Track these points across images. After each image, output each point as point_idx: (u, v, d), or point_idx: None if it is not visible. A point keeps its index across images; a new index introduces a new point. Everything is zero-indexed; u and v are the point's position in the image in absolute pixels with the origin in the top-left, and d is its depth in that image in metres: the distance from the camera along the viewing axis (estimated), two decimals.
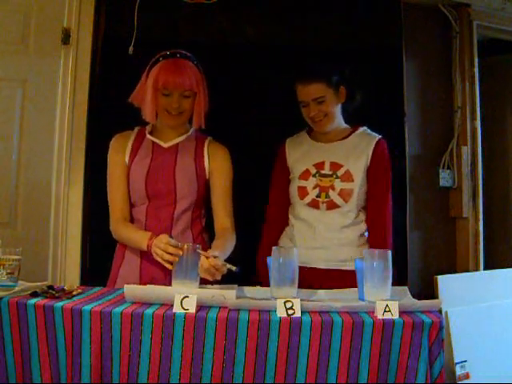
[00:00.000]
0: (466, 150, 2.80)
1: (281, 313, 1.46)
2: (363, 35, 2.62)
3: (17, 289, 1.59)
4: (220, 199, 2.04)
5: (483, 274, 2.66)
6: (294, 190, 2.12)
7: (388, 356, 1.44)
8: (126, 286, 1.58)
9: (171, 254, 1.71)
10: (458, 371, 2.22)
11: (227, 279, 1.78)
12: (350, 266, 2.03)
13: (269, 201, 2.20)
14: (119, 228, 1.99)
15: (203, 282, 1.74)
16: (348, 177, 2.07)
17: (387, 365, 1.44)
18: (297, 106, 2.12)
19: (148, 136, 2.04)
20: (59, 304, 1.47)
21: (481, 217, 2.83)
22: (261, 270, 2.09)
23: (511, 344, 2.38)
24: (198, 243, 1.89)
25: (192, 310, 1.46)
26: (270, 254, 2.07)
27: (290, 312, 1.46)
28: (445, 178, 2.79)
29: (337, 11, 2.63)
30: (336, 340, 1.44)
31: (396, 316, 1.47)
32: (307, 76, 2.06)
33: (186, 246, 1.64)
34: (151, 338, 1.43)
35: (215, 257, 1.73)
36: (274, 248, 1.63)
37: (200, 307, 1.49)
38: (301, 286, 1.63)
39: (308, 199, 2.07)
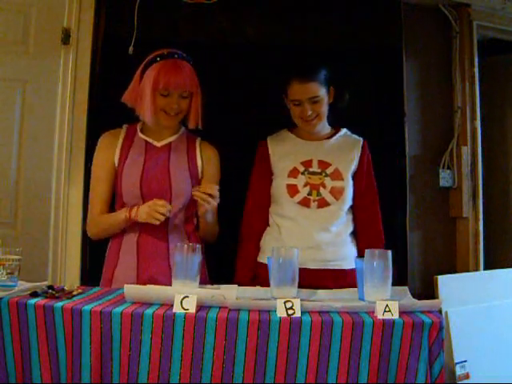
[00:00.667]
0: (465, 150, 2.80)
1: (281, 313, 1.46)
2: (363, 35, 2.62)
3: (17, 289, 1.59)
4: None
5: (483, 274, 2.66)
6: (281, 187, 2.08)
7: (388, 356, 1.44)
8: (126, 285, 1.58)
9: (159, 213, 1.82)
10: (458, 371, 2.22)
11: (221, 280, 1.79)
12: (340, 266, 2.04)
13: (248, 200, 2.15)
14: (97, 221, 1.99)
15: (202, 283, 1.75)
16: (338, 175, 2.06)
17: (387, 365, 1.44)
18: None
19: (140, 135, 2.03)
20: (59, 304, 1.47)
21: (481, 217, 2.83)
22: (240, 271, 2.09)
23: (511, 344, 2.38)
24: (192, 242, 1.91)
25: (192, 310, 1.46)
26: (252, 255, 2.10)
27: (290, 312, 1.46)
28: (445, 178, 2.79)
29: (337, 11, 2.63)
30: (336, 340, 1.44)
31: (396, 316, 1.47)
32: (305, 74, 2.04)
33: (185, 246, 1.64)
34: (151, 338, 1.43)
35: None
36: (273, 248, 1.63)
37: (200, 307, 1.49)
38: None
39: (299, 197, 2.05)
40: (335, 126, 2.19)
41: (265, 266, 2.05)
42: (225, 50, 2.54)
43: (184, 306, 1.46)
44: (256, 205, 2.14)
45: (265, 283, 1.86)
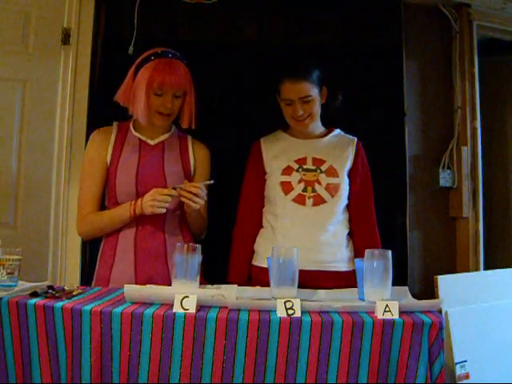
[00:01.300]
0: (465, 150, 2.80)
1: (281, 313, 1.46)
2: (363, 35, 2.62)
3: (17, 289, 1.59)
4: None
5: (483, 274, 2.65)
6: (274, 186, 2.07)
7: (388, 356, 1.44)
8: (125, 286, 1.58)
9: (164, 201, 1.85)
10: (458, 371, 2.22)
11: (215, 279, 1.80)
12: (338, 268, 2.03)
13: (241, 202, 2.15)
14: (90, 220, 1.97)
15: (203, 283, 1.75)
16: (333, 172, 2.05)
17: (387, 365, 1.44)
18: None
19: (134, 133, 2.03)
20: (59, 304, 1.47)
21: (481, 217, 2.83)
22: (232, 274, 2.08)
23: (511, 344, 2.37)
24: (186, 240, 1.91)
25: (192, 309, 1.46)
26: (246, 257, 2.10)
27: (290, 312, 1.46)
28: (445, 178, 2.79)
29: (337, 11, 2.63)
30: (336, 340, 1.44)
31: (396, 316, 1.47)
32: (297, 74, 2.03)
33: (185, 246, 1.64)
34: (151, 338, 1.43)
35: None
36: (273, 248, 1.63)
37: (200, 307, 1.49)
38: None
39: (293, 194, 2.03)
40: (329, 127, 2.19)
41: (259, 269, 2.06)
42: (224, 49, 2.54)
43: (184, 305, 1.46)
44: (249, 206, 2.13)
45: (259, 285, 1.86)
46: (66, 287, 1.69)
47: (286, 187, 2.05)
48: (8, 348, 1.47)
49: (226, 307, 1.50)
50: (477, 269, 2.75)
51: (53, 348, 1.46)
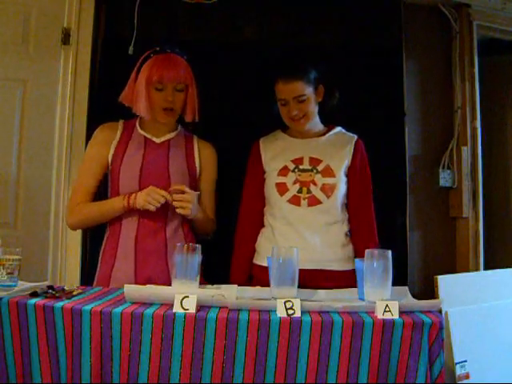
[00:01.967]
0: (465, 150, 2.80)
1: (281, 313, 1.46)
2: (363, 35, 2.62)
3: (17, 289, 1.59)
4: (208, 197, 2.10)
5: (483, 274, 2.65)
6: (271, 187, 2.07)
7: (388, 356, 1.44)
8: (126, 286, 1.58)
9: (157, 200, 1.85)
10: (458, 371, 2.22)
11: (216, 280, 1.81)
12: (335, 267, 2.03)
13: (242, 202, 2.15)
14: (81, 210, 1.97)
15: (203, 283, 1.75)
16: (329, 172, 2.05)
17: (387, 365, 1.44)
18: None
19: (140, 131, 2.03)
20: (59, 304, 1.47)
21: (481, 217, 2.83)
22: (234, 273, 2.09)
23: (511, 344, 2.37)
24: (189, 242, 1.91)
25: (192, 309, 1.46)
26: (246, 256, 2.10)
27: (290, 312, 1.46)
28: (445, 178, 2.79)
29: (336, 11, 2.63)
30: (336, 340, 1.44)
31: (396, 316, 1.47)
32: (289, 73, 2.03)
33: (185, 246, 1.64)
34: (151, 338, 1.43)
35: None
36: (273, 248, 1.63)
37: (200, 307, 1.49)
38: None
39: (288, 195, 2.03)
40: (329, 125, 2.18)
41: (260, 268, 2.06)
42: (224, 49, 2.54)
43: (184, 305, 1.46)
44: (249, 206, 2.13)
45: (260, 285, 1.86)
46: (66, 287, 1.69)
47: (281, 188, 2.05)
48: (8, 348, 1.47)
49: (226, 307, 1.50)
50: (477, 269, 2.75)
51: (53, 348, 1.46)
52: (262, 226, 2.13)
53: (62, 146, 2.51)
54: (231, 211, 2.17)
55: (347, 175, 2.09)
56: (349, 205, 2.10)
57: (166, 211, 1.97)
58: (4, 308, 1.48)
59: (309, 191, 2.03)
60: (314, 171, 2.04)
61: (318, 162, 2.06)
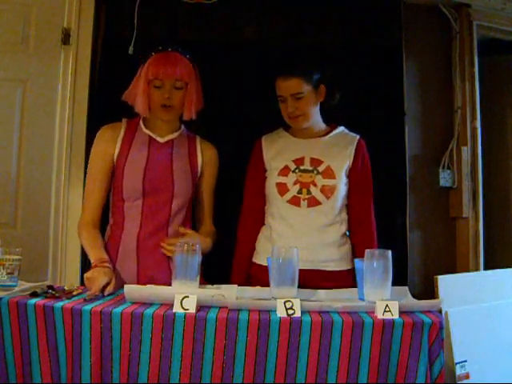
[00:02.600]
0: (465, 150, 2.80)
1: (281, 313, 1.46)
2: (363, 35, 2.62)
3: (17, 289, 1.59)
4: (208, 198, 2.11)
5: (483, 274, 2.65)
6: (271, 186, 2.07)
7: (388, 356, 1.44)
8: (125, 286, 1.58)
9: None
10: (458, 371, 2.22)
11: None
12: (332, 267, 2.03)
13: (244, 200, 2.15)
14: (82, 233, 1.96)
15: (203, 283, 1.75)
16: (330, 173, 2.04)
17: (387, 365, 1.44)
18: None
19: (144, 129, 2.02)
20: (59, 304, 1.47)
21: (481, 217, 2.83)
22: (234, 272, 2.09)
23: (511, 344, 2.38)
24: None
25: (192, 309, 1.46)
26: (247, 255, 2.11)
27: (290, 312, 1.46)
28: (445, 178, 2.79)
29: (337, 11, 2.63)
30: (336, 340, 1.44)
31: (396, 316, 1.47)
32: (288, 70, 2.03)
33: (186, 246, 1.64)
34: (151, 338, 1.43)
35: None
36: (273, 248, 1.63)
37: (200, 307, 1.49)
38: None
39: (288, 196, 2.03)
40: (331, 124, 2.18)
41: (258, 267, 2.06)
42: (224, 49, 2.54)
43: (184, 305, 1.46)
44: (250, 205, 2.14)
45: (258, 284, 1.86)
46: (65, 287, 1.69)
47: (282, 188, 2.05)
48: (8, 348, 1.47)
49: (226, 307, 1.50)
50: (477, 269, 2.75)
51: (53, 348, 1.46)
52: (263, 224, 2.14)
53: (62, 145, 2.51)
54: (231, 211, 2.17)
55: (348, 176, 2.09)
56: (349, 206, 2.10)
57: (168, 211, 1.97)
58: (4, 308, 1.48)
59: (309, 192, 2.03)
60: (315, 172, 2.04)
61: (319, 162, 2.06)
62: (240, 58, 2.54)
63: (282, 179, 2.06)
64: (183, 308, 1.46)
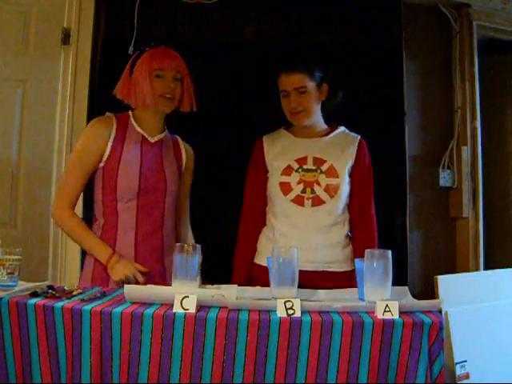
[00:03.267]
0: (466, 150, 2.81)
1: (281, 313, 1.46)
2: (363, 35, 2.62)
3: (17, 289, 1.59)
4: (187, 197, 2.13)
5: (483, 274, 2.66)
6: (274, 186, 2.06)
7: (388, 356, 1.44)
8: (125, 286, 1.58)
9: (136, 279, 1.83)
10: (458, 371, 2.22)
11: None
12: (335, 268, 2.03)
13: (244, 200, 2.15)
14: (67, 223, 1.92)
15: (203, 283, 1.75)
16: (333, 172, 2.04)
17: (387, 365, 1.44)
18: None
19: (138, 129, 2.00)
20: (59, 304, 1.47)
21: (481, 217, 2.83)
22: (235, 272, 2.09)
23: (511, 344, 2.38)
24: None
25: (192, 309, 1.45)
26: (248, 256, 2.11)
27: (290, 312, 1.46)
28: (445, 178, 2.79)
29: (337, 11, 2.63)
30: (336, 340, 1.43)
31: (396, 316, 1.47)
32: (293, 65, 2.04)
33: (185, 246, 1.64)
34: (151, 338, 1.43)
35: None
36: (274, 248, 1.63)
37: (200, 307, 1.48)
38: None
39: (292, 195, 2.03)
40: (332, 124, 2.18)
41: (260, 268, 2.06)
42: (224, 49, 2.55)
43: (184, 305, 1.46)
44: (251, 205, 2.13)
45: (259, 285, 1.86)
46: (65, 287, 1.68)
47: (285, 188, 2.04)
48: (8, 348, 1.47)
49: (226, 307, 1.50)
50: (477, 269, 2.76)
51: (53, 348, 1.46)
52: (265, 224, 2.13)
53: (62, 145, 2.52)
54: (231, 211, 2.17)
55: (350, 176, 2.09)
56: (351, 205, 2.10)
57: (162, 210, 1.97)
58: (4, 308, 1.48)
59: (313, 191, 2.02)
60: (318, 171, 2.04)
61: (322, 162, 2.06)
62: (240, 58, 2.54)
63: (285, 179, 2.05)
64: (183, 308, 1.46)
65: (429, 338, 1.46)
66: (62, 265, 2.50)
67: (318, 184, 2.03)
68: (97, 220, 1.98)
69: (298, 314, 1.45)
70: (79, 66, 2.53)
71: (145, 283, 1.82)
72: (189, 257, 1.62)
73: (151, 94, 1.94)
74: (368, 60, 2.58)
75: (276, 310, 1.46)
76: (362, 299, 1.62)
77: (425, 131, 2.79)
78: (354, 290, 1.72)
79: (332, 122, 2.19)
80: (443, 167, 2.79)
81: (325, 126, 2.16)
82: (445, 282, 2.32)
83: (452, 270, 2.71)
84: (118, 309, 1.46)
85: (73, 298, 1.55)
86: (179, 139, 2.14)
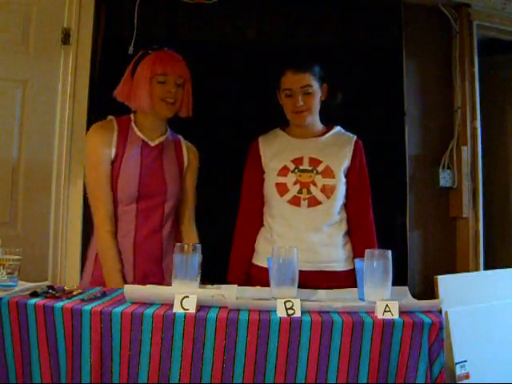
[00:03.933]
0: (466, 150, 2.81)
1: (281, 313, 1.46)
2: (363, 35, 2.62)
3: (17, 289, 1.59)
4: (191, 200, 2.12)
5: (483, 274, 2.65)
6: (271, 187, 2.07)
7: (388, 356, 1.44)
8: (125, 286, 1.58)
9: None
10: (458, 371, 2.22)
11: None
12: (334, 268, 2.03)
13: (241, 201, 2.15)
14: (111, 245, 1.91)
15: (203, 282, 1.75)
16: (329, 173, 2.05)
17: (387, 365, 1.44)
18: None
19: (138, 133, 2.00)
20: (59, 304, 1.47)
21: (481, 217, 2.83)
22: (232, 272, 2.09)
23: (511, 344, 2.37)
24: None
25: (192, 309, 1.45)
26: (244, 256, 2.11)
27: (290, 312, 1.46)
28: (445, 178, 2.79)
29: (337, 11, 2.63)
30: (336, 340, 1.43)
31: (396, 316, 1.47)
32: (299, 65, 2.04)
33: (185, 246, 1.64)
34: (151, 338, 1.43)
35: None
36: (274, 248, 1.62)
37: (200, 307, 1.49)
38: None
39: (289, 196, 2.03)
40: (328, 124, 2.18)
41: (258, 268, 2.06)
42: (224, 49, 2.55)
43: (184, 305, 1.46)
44: (248, 206, 2.13)
45: (258, 285, 1.86)
46: (65, 287, 1.68)
47: (282, 189, 2.05)
48: (8, 348, 1.47)
49: (226, 307, 1.50)
50: (477, 269, 2.76)
51: (53, 348, 1.46)
52: (262, 225, 2.13)
53: (62, 146, 2.51)
54: (230, 211, 2.17)
55: (346, 176, 2.09)
56: (347, 206, 2.10)
57: (161, 213, 1.98)
58: (4, 308, 1.48)
59: (309, 192, 2.03)
60: (314, 172, 2.04)
61: (318, 162, 2.06)
62: (240, 58, 2.54)
63: (281, 179, 2.05)
64: (183, 308, 1.46)
65: (429, 337, 1.46)
66: (62, 265, 2.50)
67: (315, 184, 2.03)
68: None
69: (297, 313, 1.45)
70: (79, 65, 2.53)
71: (143, 281, 1.82)
72: (189, 257, 1.62)
73: (150, 99, 1.93)
74: (368, 60, 2.58)
75: (276, 309, 1.47)
76: (362, 299, 1.62)
77: (425, 131, 2.79)
78: (354, 290, 1.72)
79: (332, 121, 2.19)
80: (443, 167, 2.79)
81: (321, 126, 2.17)
82: (445, 281, 2.31)
83: (452, 270, 2.71)
84: (118, 309, 1.46)
85: (73, 298, 1.55)
86: (182, 139, 2.13)
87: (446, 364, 1.54)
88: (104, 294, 1.64)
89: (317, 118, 2.13)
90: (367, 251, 1.60)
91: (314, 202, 2.02)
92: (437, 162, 2.79)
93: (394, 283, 1.60)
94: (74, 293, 1.61)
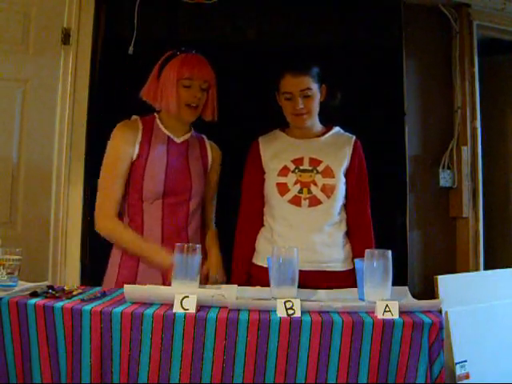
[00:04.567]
0: (466, 150, 2.81)
1: (281, 313, 1.46)
2: (363, 35, 2.62)
3: (17, 289, 1.59)
4: (212, 198, 2.14)
5: (483, 274, 2.65)
6: (271, 187, 2.07)
7: (388, 356, 1.44)
8: (125, 285, 1.58)
9: None
10: (458, 371, 2.22)
11: None
12: (334, 268, 2.04)
13: (242, 202, 2.15)
14: (117, 228, 1.92)
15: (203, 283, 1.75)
16: (329, 172, 2.05)
17: (387, 365, 1.44)
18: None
19: (164, 130, 2.01)
20: (59, 304, 1.47)
21: (481, 217, 2.83)
22: (234, 272, 2.09)
23: (511, 344, 2.37)
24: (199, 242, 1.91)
25: (192, 309, 1.46)
26: (246, 256, 2.11)
27: (290, 312, 1.46)
28: (445, 178, 2.79)
29: (337, 11, 2.63)
30: (336, 340, 1.43)
31: (396, 316, 1.47)
32: (298, 67, 2.04)
33: (185, 246, 1.64)
34: (151, 338, 1.43)
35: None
36: (274, 247, 1.63)
37: (200, 307, 1.49)
38: None
39: (289, 196, 2.03)
40: (327, 125, 2.18)
41: (259, 268, 2.06)
42: (224, 49, 2.54)
43: (184, 305, 1.46)
44: (249, 206, 2.14)
45: (258, 284, 1.86)
46: (65, 287, 1.68)
47: (282, 188, 2.05)
48: (8, 348, 1.47)
49: (226, 307, 1.50)
50: (477, 269, 2.76)
51: (53, 348, 1.46)
52: (262, 225, 2.13)
53: (62, 146, 2.51)
54: (231, 211, 2.17)
55: (346, 176, 2.09)
56: (347, 206, 2.10)
57: (187, 210, 1.98)
58: (4, 308, 1.48)
59: (309, 192, 2.03)
60: (315, 172, 2.05)
61: (318, 162, 2.07)
62: (240, 58, 2.54)
63: (282, 179, 2.06)
64: (183, 308, 1.46)
65: (429, 337, 1.46)
66: (62, 265, 2.50)
67: (315, 184, 2.03)
68: (122, 219, 1.99)
69: (297, 313, 1.46)
70: (79, 65, 2.53)
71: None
72: (189, 257, 1.62)
73: (176, 102, 1.94)
74: (368, 60, 2.58)
75: (276, 309, 1.47)
76: (362, 299, 1.62)
77: (425, 131, 2.79)
78: (354, 290, 1.72)
79: (332, 122, 2.19)
80: (443, 167, 2.79)
81: (320, 127, 2.17)
82: (445, 282, 2.31)
83: (452, 270, 2.71)
84: (118, 309, 1.46)
85: (73, 298, 1.55)
86: (205, 138, 2.14)
87: (446, 364, 1.54)
88: (104, 294, 1.64)
89: (316, 119, 2.14)
90: (367, 251, 1.60)
91: (314, 202, 2.03)
92: (437, 162, 2.79)
93: (394, 283, 1.60)
94: (74, 293, 1.61)
